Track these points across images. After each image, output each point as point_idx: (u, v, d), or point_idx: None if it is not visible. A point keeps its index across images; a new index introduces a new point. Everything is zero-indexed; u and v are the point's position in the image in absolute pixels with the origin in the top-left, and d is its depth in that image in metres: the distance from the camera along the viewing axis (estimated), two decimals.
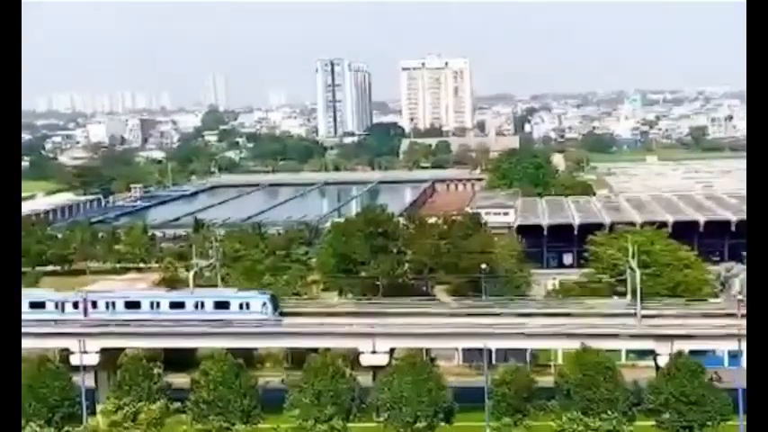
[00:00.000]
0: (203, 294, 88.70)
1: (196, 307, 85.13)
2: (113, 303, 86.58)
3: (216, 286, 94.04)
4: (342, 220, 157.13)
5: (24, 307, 78.29)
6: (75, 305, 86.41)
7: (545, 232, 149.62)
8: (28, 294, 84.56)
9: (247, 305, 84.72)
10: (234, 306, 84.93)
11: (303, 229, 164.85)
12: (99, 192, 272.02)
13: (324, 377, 76.82)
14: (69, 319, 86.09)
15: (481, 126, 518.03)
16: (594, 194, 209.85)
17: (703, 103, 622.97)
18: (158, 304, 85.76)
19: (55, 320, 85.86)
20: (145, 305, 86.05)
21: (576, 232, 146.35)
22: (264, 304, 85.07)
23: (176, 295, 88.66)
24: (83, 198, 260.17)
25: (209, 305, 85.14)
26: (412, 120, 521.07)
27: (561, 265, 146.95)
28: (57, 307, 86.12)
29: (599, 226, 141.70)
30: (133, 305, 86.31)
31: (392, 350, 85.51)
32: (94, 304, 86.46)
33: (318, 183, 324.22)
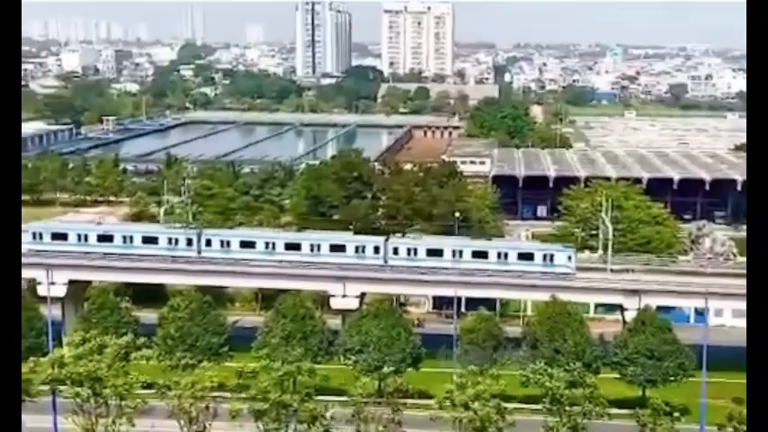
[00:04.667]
0: (507, 245, 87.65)
1: (499, 257, 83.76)
2: (454, 252, 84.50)
3: (188, 224, 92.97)
4: (317, 162, 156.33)
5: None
6: (377, 249, 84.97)
7: (520, 183, 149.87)
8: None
9: (551, 258, 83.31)
10: (538, 258, 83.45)
11: (277, 169, 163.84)
12: (70, 122, 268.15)
13: (293, 318, 76.83)
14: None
15: (461, 74, 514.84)
16: (571, 147, 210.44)
17: (684, 60, 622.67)
18: (461, 253, 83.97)
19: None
20: (447, 254, 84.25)
21: (551, 184, 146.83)
22: (570, 258, 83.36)
23: (481, 245, 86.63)
24: (53, 128, 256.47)
25: (512, 256, 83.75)
26: (391, 64, 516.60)
27: (535, 216, 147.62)
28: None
29: (574, 179, 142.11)
30: (436, 253, 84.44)
31: (363, 294, 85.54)
32: (395, 250, 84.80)
33: (294, 123, 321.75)
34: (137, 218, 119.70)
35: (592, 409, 58.77)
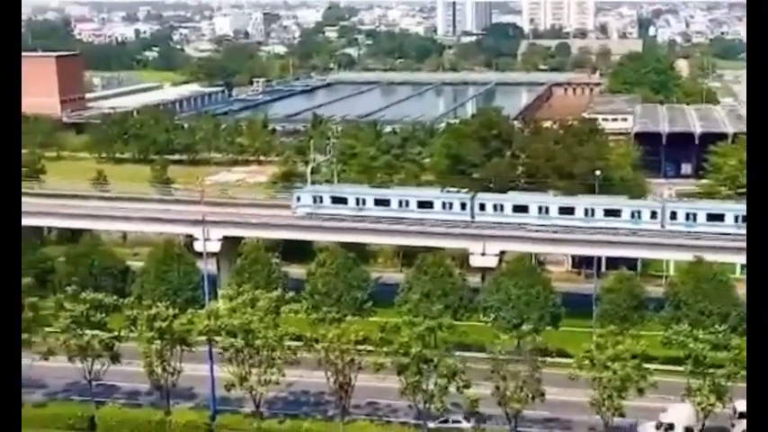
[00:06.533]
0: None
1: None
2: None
3: (332, 182, 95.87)
4: (457, 121, 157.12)
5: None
6: (654, 214, 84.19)
7: (664, 140, 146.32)
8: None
9: None
10: None
11: (418, 128, 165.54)
12: (222, 84, 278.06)
13: (433, 276, 78.65)
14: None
15: (603, 28, 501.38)
16: (719, 103, 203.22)
17: None
18: (743, 218, 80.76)
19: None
20: (729, 219, 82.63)
21: (696, 141, 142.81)
22: None
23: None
24: (207, 90, 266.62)
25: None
26: (532, 20, 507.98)
27: (679, 174, 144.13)
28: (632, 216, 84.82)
29: (721, 136, 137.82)
30: (717, 218, 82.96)
31: (502, 253, 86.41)
32: (673, 215, 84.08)
33: (435, 82, 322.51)
34: (286, 177, 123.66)
35: (737, 371, 58.03)
